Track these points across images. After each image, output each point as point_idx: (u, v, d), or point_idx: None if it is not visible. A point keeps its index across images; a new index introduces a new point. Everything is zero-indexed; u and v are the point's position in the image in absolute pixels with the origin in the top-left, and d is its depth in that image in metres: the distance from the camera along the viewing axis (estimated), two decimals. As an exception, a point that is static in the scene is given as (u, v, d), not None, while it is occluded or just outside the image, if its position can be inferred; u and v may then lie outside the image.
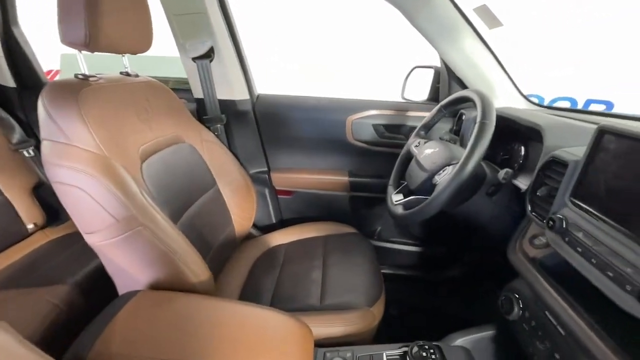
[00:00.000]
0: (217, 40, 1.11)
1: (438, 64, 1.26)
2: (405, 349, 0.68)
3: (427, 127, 0.99)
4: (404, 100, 1.31)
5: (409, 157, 1.00)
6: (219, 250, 1.04)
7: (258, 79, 1.30)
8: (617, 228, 0.45)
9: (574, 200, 0.52)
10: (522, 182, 0.76)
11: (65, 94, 0.67)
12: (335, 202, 1.36)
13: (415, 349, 0.67)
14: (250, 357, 0.54)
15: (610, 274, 0.44)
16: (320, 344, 0.71)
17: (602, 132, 0.48)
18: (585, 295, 0.50)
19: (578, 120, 0.73)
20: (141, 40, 0.83)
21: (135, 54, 0.84)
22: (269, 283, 0.99)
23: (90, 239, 0.68)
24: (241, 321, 0.62)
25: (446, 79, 1.17)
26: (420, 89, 1.36)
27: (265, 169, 1.35)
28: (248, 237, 1.24)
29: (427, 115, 1.22)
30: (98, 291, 0.90)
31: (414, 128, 1.22)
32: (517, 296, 0.63)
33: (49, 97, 0.66)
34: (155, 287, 0.70)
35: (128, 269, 0.69)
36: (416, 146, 0.97)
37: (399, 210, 0.86)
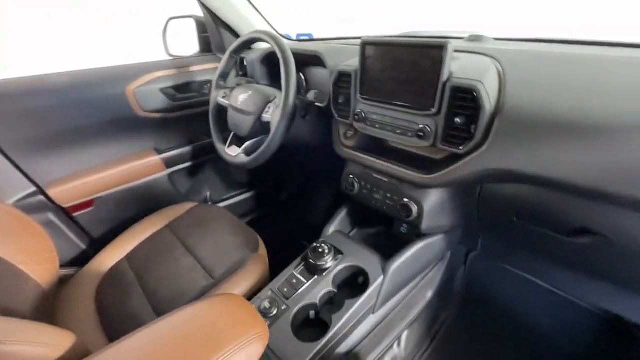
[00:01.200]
0: None
1: (195, 13, 1.23)
2: (304, 257, 0.83)
3: (225, 76, 1.02)
4: (173, 57, 1.23)
5: (221, 109, 1.01)
6: (37, 317, 0.74)
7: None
8: (391, 103, 0.71)
9: (363, 96, 0.76)
10: (318, 100, 0.98)
11: None
12: (154, 188, 1.19)
13: (311, 252, 0.82)
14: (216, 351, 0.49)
15: (399, 131, 0.71)
16: None
17: (364, 44, 0.71)
18: (390, 152, 0.79)
19: (335, 44, 0.99)
20: None
21: None
22: (135, 302, 0.83)
23: None
24: (175, 339, 0.53)
25: (214, 28, 1.17)
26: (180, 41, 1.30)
27: (34, 189, 0.95)
28: (63, 281, 0.91)
29: (211, 66, 1.22)
30: None
31: (204, 83, 1.21)
32: (352, 176, 0.88)
33: None
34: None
35: None
36: (223, 97, 0.99)
37: (243, 158, 0.90)
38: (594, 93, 0.52)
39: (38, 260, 0.83)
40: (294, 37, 1.53)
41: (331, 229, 0.93)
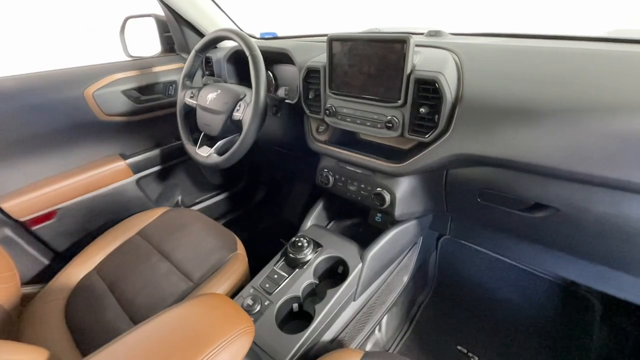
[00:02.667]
0: None
1: (154, 11, 1.20)
2: (284, 252, 0.84)
3: (191, 76, 1.00)
4: (134, 58, 1.18)
5: (189, 109, 0.99)
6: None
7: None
8: (360, 97, 0.74)
9: (332, 91, 0.78)
10: (288, 97, 0.99)
11: None
12: (121, 194, 1.14)
13: (291, 247, 0.83)
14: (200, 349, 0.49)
15: (369, 124, 0.74)
16: None
17: (331, 40, 0.73)
18: (361, 144, 0.82)
19: (302, 41, 1.01)
20: None
21: None
22: (109, 314, 0.80)
23: None
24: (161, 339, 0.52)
25: (177, 27, 1.14)
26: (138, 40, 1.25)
27: None
28: (27, 300, 0.85)
29: (175, 66, 1.19)
30: None
31: (169, 83, 1.17)
32: (326, 170, 0.90)
33: None
34: None
35: None
36: (191, 97, 0.97)
37: (216, 158, 0.89)
38: (542, 81, 0.57)
39: (1, 279, 0.77)
40: (258, 36, 1.53)
41: (308, 223, 0.94)
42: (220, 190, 1.47)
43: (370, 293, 0.87)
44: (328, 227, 1.01)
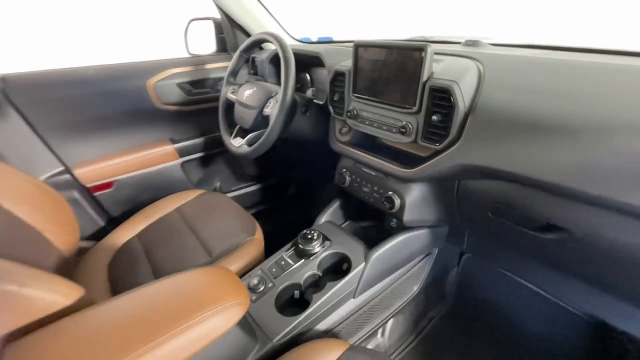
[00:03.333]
0: None
1: (213, 15, 1.33)
2: (295, 242, 0.89)
3: (234, 74, 1.10)
4: (192, 55, 1.33)
5: (229, 103, 1.09)
6: None
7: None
8: (379, 101, 0.76)
9: (355, 94, 0.82)
10: (317, 98, 1.05)
11: None
12: (167, 174, 1.30)
13: (301, 238, 0.88)
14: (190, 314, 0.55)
15: (385, 128, 0.76)
16: None
17: (357, 46, 0.77)
18: (381, 149, 0.84)
19: (336, 46, 1.06)
20: None
21: None
22: (142, 274, 0.92)
23: None
24: (165, 294, 0.61)
25: (229, 29, 1.26)
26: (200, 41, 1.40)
27: (62, 168, 1.07)
28: (82, 252, 1.02)
29: (225, 64, 1.31)
30: None
31: (218, 79, 1.30)
32: (344, 170, 0.93)
33: None
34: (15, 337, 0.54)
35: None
36: (232, 92, 1.07)
37: (245, 149, 0.98)
38: (563, 96, 0.55)
39: (62, 232, 0.93)
40: (315, 40, 1.60)
41: (323, 219, 0.98)
42: (255, 182, 1.58)
43: (372, 294, 0.88)
44: (343, 226, 1.04)
